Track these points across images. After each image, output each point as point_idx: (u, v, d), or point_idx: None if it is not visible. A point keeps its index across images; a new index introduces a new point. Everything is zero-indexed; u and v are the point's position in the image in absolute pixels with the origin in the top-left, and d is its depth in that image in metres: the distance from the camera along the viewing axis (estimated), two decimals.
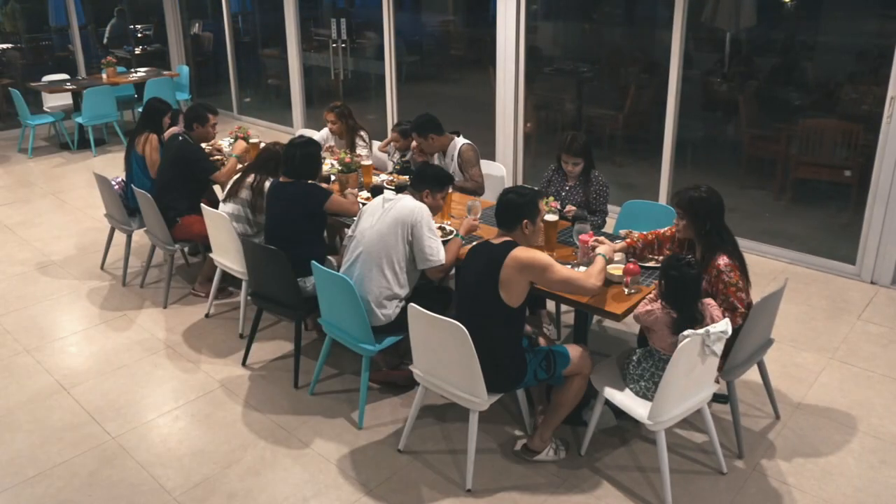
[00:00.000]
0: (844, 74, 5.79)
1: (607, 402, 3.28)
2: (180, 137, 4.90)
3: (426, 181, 3.71)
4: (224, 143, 5.63)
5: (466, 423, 3.19)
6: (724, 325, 2.91)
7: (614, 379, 3.26)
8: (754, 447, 3.47)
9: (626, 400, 3.14)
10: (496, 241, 3.11)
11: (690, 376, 2.97)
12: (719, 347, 2.92)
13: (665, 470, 3.07)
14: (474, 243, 3.34)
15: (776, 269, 5.35)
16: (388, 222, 3.55)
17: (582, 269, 3.42)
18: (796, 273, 5.32)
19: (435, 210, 3.74)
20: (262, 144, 4.92)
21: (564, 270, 3.07)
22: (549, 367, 3.19)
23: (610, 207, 4.43)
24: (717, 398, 3.44)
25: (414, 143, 4.91)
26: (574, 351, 3.25)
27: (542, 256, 3.04)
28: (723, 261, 3.16)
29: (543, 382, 3.31)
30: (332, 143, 5.51)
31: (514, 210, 3.12)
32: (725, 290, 3.15)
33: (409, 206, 3.56)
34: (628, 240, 3.65)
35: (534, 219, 3.13)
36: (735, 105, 6.36)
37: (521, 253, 3.02)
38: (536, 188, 3.52)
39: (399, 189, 4.16)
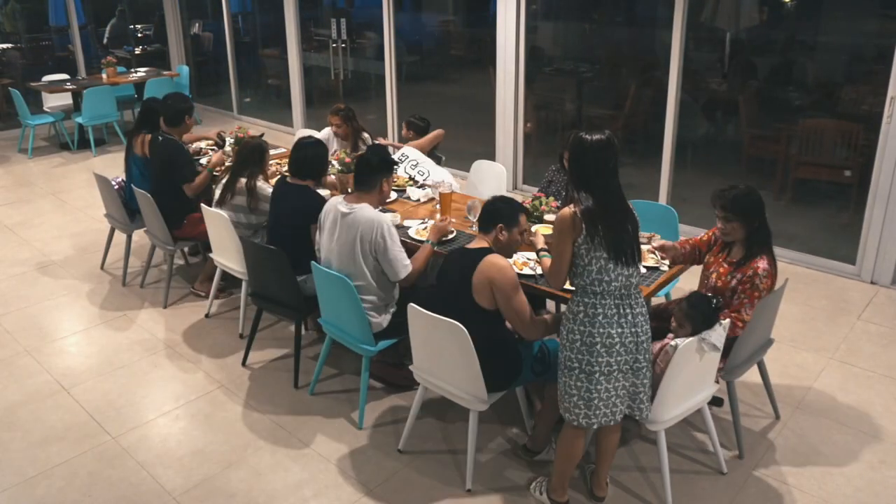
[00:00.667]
0: (844, 74, 5.79)
1: None
2: (160, 138, 4.84)
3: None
4: (227, 141, 5.62)
5: (466, 423, 3.19)
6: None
7: None
8: (754, 447, 3.47)
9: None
10: (472, 247, 3.14)
11: (690, 376, 2.97)
12: (716, 337, 2.89)
13: (665, 470, 3.07)
14: (451, 248, 3.37)
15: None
16: (348, 241, 3.46)
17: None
18: (796, 273, 5.32)
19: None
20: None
21: (523, 304, 3.03)
22: (544, 360, 3.19)
23: None
24: (711, 401, 3.42)
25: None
26: None
27: (511, 278, 3.00)
28: (763, 264, 3.09)
29: (542, 377, 3.29)
30: (335, 146, 5.50)
31: (492, 213, 3.16)
32: (751, 291, 3.09)
33: (366, 218, 3.43)
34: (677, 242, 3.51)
35: (509, 227, 3.12)
36: (735, 105, 6.36)
37: (494, 260, 3.00)
38: (524, 204, 3.51)
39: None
